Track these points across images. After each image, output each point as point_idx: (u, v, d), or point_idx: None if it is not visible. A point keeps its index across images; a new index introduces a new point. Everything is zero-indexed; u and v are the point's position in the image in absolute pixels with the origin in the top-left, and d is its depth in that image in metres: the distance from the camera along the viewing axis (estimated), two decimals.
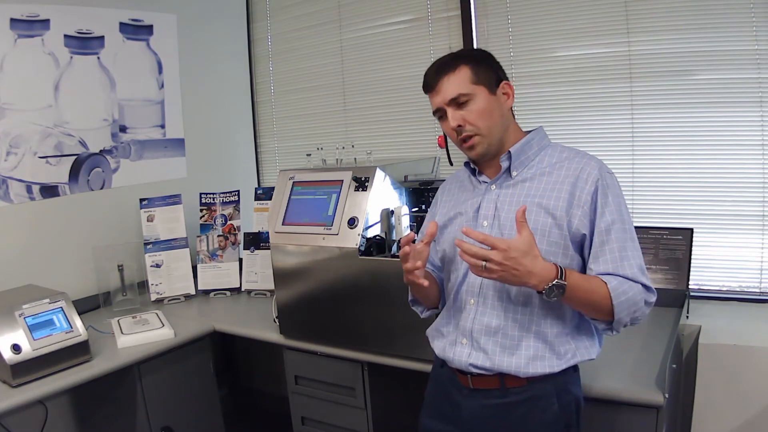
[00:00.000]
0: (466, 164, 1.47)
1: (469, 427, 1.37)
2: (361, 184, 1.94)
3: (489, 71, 1.37)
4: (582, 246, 1.32)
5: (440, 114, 1.39)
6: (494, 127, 1.36)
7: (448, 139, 1.54)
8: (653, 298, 1.30)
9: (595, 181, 1.30)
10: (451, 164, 1.55)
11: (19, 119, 2.34)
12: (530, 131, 1.43)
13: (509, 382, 1.32)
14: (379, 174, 1.95)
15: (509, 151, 1.37)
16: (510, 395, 1.33)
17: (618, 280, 1.25)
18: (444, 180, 1.61)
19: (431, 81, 1.38)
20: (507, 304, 1.32)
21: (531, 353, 1.30)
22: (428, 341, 1.49)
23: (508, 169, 1.38)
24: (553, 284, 1.21)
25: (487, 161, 1.41)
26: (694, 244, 2.10)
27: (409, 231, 1.49)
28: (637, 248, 1.31)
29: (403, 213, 1.97)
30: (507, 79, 1.41)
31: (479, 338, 1.33)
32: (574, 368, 1.36)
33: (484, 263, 1.20)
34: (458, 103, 1.34)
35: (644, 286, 1.27)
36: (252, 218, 2.82)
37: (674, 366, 1.68)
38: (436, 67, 1.39)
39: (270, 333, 2.18)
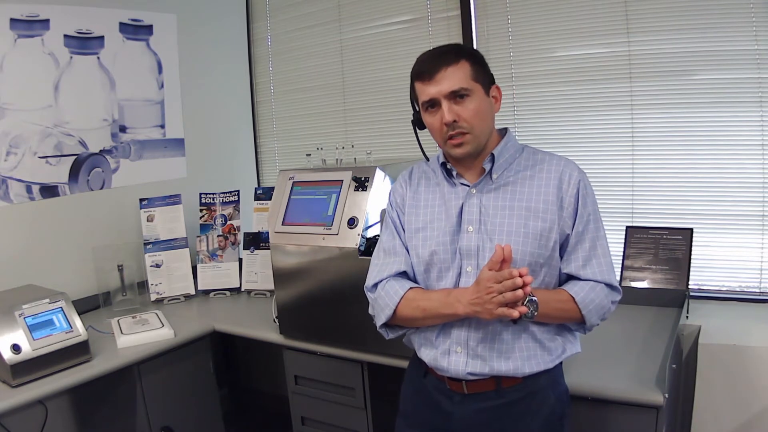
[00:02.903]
0: (443, 165, 1.42)
1: None
2: (361, 184, 1.94)
3: (485, 71, 1.36)
4: (563, 247, 1.34)
5: (430, 104, 1.34)
6: (485, 128, 1.35)
7: (417, 132, 1.49)
8: (619, 297, 1.36)
9: (577, 183, 1.33)
10: (427, 159, 1.51)
11: (19, 119, 2.34)
12: (501, 131, 1.42)
13: (505, 382, 1.33)
14: (379, 174, 1.95)
15: (492, 154, 1.36)
16: (506, 395, 1.33)
17: (585, 290, 1.30)
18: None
19: (429, 69, 1.31)
20: None
21: (525, 354, 1.32)
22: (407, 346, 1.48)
23: (489, 172, 1.36)
24: (528, 301, 1.22)
25: (465, 163, 1.39)
26: (694, 244, 2.10)
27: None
28: (606, 245, 1.36)
29: None
30: (495, 83, 1.39)
31: (475, 346, 1.32)
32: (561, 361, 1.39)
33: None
34: (456, 96, 1.30)
35: (609, 286, 1.32)
36: (252, 218, 2.82)
37: (674, 366, 1.68)
38: (435, 56, 1.33)
39: (270, 333, 2.18)
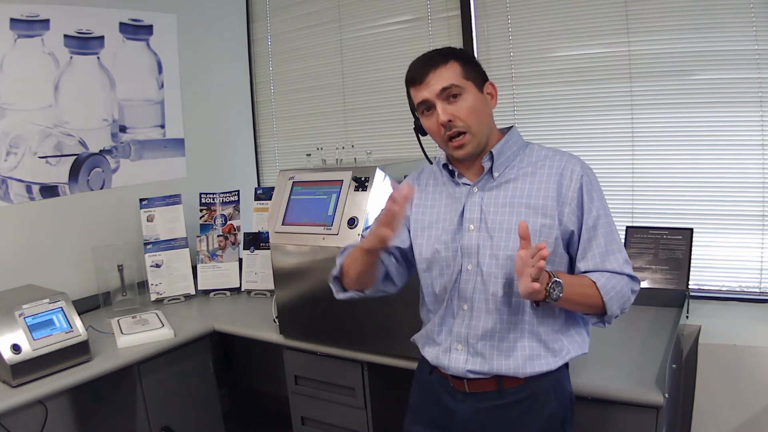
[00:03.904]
0: (444, 166, 1.43)
1: None
2: (361, 184, 1.94)
3: (476, 69, 1.36)
4: (569, 243, 1.33)
5: (425, 107, 1.35)
6: (483, 126, 1.35)
7: (420, 137, 1.52)
8: (638, 287, 1.36)
9: (579, 178, 1.32)
10: (430, 162, 1.52)
11: (19, 119, 2.34)
12: (505, 129, 1.42)
13: (507, 382, 1.33)
14: (379, 174, 1.95)
15: (491, 152, 1.35)
16: (507, 396, 1.33)
17: (605, 277, 1.29)
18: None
19: (419, 74, 1.33)
20: (501, 307, 1.32)
21: (527, 353, 1.31)
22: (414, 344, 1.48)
23: (490, 171, 1.36)
24: (553, 281, 1.21)
25: (466, 162, 1.39)
26: (694, 244, 2.10)
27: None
28: (619, 239, 1.35)
29: None
30: (488, 79, 1.40)
31: (475, 343, 1.33)
32: (566, 364, 1.38)
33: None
34: (449, 95, 1.31)
35: (629, 276, 1.32)
36: (252, 218, 2.82)
37: (674, 366, 1.68)
38: (424, 60, 1.35)
39: (270, 333, 2.18)
